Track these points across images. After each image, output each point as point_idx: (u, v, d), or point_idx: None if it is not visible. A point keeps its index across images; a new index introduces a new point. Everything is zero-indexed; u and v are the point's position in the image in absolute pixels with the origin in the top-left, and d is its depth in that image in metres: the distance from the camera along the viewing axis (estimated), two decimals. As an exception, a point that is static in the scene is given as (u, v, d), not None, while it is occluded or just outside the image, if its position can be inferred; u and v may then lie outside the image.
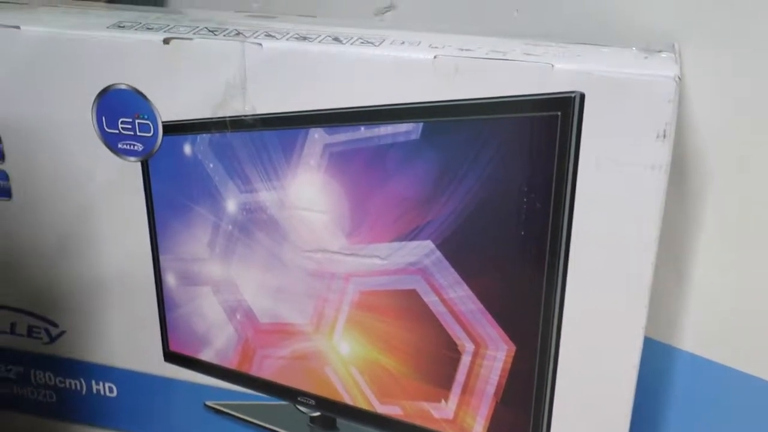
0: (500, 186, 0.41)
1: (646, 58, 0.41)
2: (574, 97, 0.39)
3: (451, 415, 0.47)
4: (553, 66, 0.39)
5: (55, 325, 0.54)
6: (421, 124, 0.42)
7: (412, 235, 0.44)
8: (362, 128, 0.43)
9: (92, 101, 0.47)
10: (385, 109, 0.42)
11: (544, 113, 0.39)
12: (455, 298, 0.44)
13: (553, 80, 0.39)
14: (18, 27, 0.47)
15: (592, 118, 0.39)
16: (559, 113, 0.39)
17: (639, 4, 0.49)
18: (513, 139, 0.40)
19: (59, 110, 0.48)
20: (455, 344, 0.46)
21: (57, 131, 0.48)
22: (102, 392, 0.55)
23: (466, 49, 0.41)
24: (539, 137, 0.40)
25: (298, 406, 0.52)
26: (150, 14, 0.49)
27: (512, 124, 0.40)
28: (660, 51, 0.42)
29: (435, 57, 0.40)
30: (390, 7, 0.60)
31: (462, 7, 0.57)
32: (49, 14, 0.50)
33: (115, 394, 0.55)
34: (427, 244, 0.44)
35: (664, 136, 0.39)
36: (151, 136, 0.47)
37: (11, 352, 0.56)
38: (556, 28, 0.53)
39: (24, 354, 0.56)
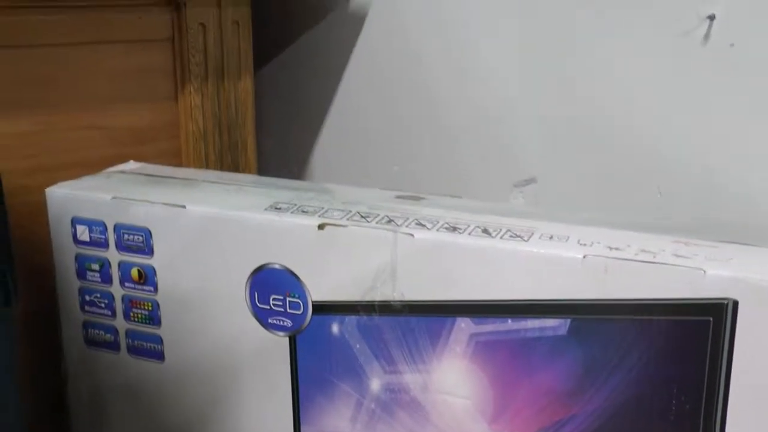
0: (648, 386, 0.41)
1: (800, 262, 0.40)
2: (727, 304, 0.39)
3: None
4: (705, 272, 0.39)
5: (195, 484, 0.56)
6: (569, 321, 0.42)
7: (555, 427, 0.44)
8: (509, 320, 0.43)
9: (247, 277, 0.49)
10: (533, 304, 0.42)
11: (696, 318, 0.39)
12: (598, 493, 0.44)
13: (705, 285, 0.39)
14: (184, 206, 0.50)
15: (746, 322, 0.39)
16: (711, 319, 0.39)
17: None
18: (662, 341, 0.40)
19: (215, 283, 0.50)
20: None
21: (211, 302, 0.51)
22: None
23: (615, 248, 0.41)
24: (690, 341, 0.40)
25: None
26: (304, 194, 0.52)
27: (662, 326, 0.40)
28: (815, 253, 0.41)
29: (584, 257, 0.41)
30: (530, 181, 0.62)
31: (601, 181, 0.58)
32: (211, 192, 0.53)
33: None
34: (571, 438, 0.44)
35: (822, 346, 0.38)
36: (301, 313, 0.48)
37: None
38: (698, 211, 0.53)
39: None
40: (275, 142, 0.79)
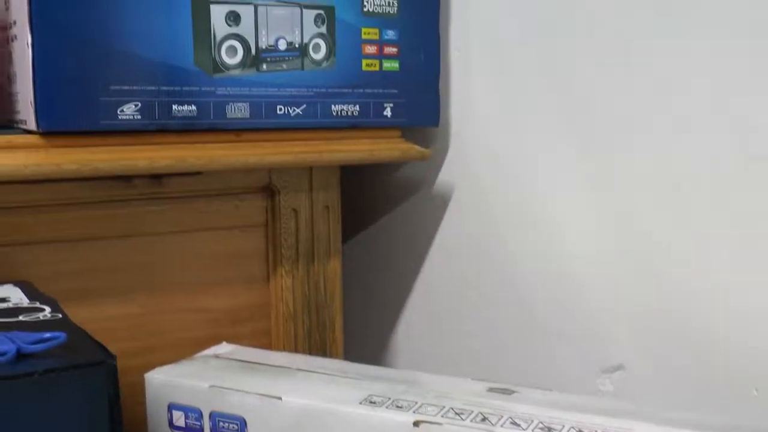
0: None
1: None
2: None
3: None
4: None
5: None
6: None
7: None
8: None
9: (345, 473, 0.50)
10: None
11: None
12: None
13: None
14: (280, 398, 0.51)
15: None
16: None
17: None
18: None
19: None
20: None
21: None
22: None
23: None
24: None
25: None
26: (396, 386, 0.52)
27: None
28: None
29: (685, 468, 0.41)
30: (618, 367, 0.62)
31: (692, 373, 0.58)
32: (305, 381, 0.54)
33: None
34: None
35: None
36: (395, 507, 0.48)
37: None
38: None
39: None
40: (360, 319, 0.81)
